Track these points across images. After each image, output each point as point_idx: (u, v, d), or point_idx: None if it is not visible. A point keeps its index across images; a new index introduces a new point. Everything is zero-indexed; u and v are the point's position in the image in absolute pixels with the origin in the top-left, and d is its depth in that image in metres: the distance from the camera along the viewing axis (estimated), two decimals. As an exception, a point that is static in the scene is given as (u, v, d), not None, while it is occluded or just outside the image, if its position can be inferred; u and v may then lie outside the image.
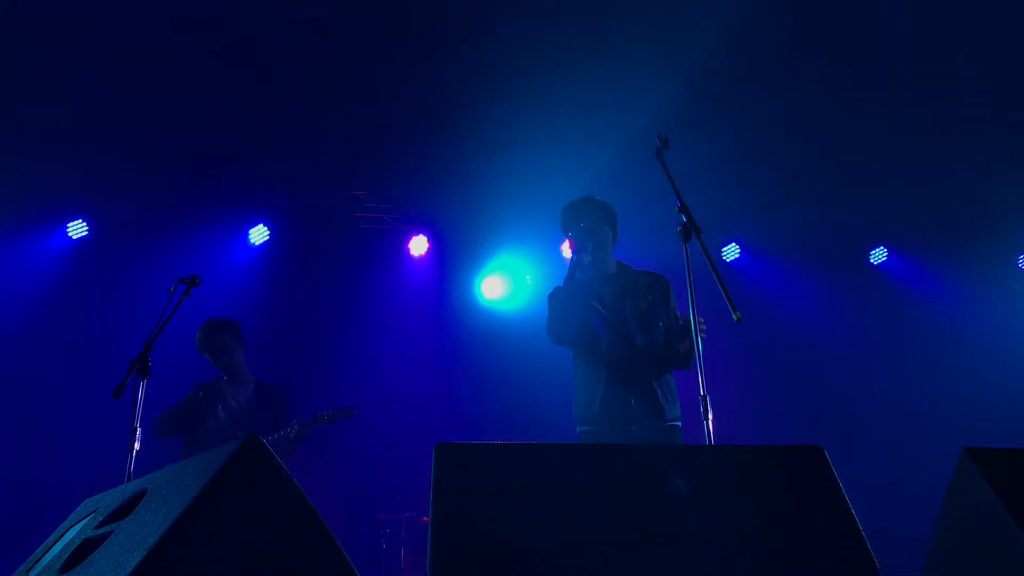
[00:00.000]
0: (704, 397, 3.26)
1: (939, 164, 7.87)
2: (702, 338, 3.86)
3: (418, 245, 8.61)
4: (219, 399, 5.66)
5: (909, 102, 7.07)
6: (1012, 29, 6.32)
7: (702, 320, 3.89)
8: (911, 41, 6.42)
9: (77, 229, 7.96)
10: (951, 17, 6.19)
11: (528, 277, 8.72)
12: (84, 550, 2.17)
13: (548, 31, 6.25)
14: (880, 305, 9.17)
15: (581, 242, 4.36)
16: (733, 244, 9.06)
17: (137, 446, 3.92)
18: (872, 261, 9.30)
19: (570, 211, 4.48)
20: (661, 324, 4.30)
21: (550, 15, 6.14)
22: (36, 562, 2.41)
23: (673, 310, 4.40)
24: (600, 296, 4.37)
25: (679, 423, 4.25)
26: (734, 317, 3.12)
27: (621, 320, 4.30)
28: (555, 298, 4.43)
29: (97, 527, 2.27)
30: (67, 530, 2.50)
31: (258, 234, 8.38)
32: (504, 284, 8.70)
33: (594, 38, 6.33)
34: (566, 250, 8.58)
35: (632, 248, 8.17)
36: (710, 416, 3.23)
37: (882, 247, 9.26)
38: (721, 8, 6.03)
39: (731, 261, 9.07)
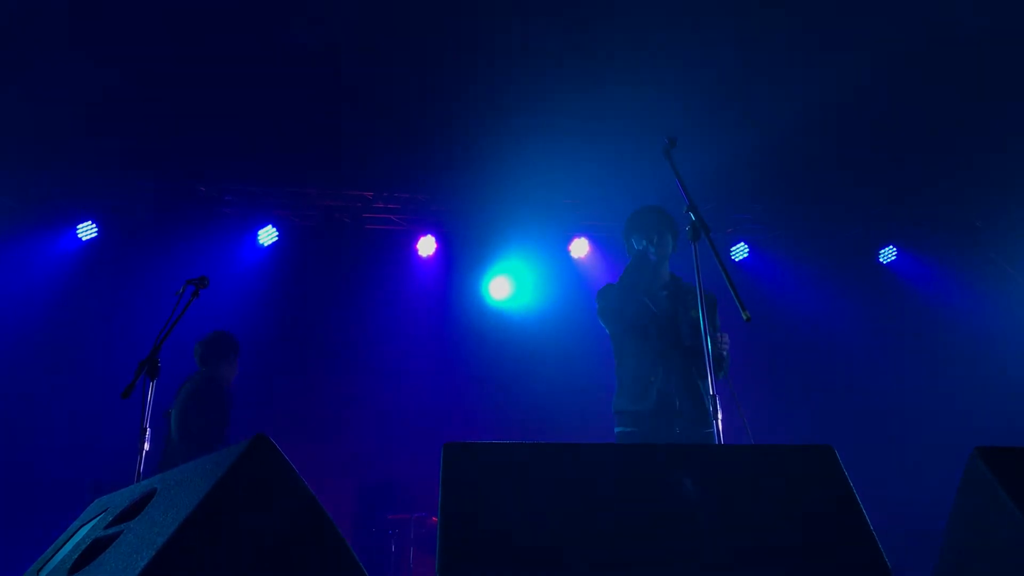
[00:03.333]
0: (714, 396, 3.26)
1: (949, 164, 7.84)
2: (724, 353, 3.95)
3: (426, 246, 8.61)
4: None
5: (921, 102, 7.05)
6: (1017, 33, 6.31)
7: (724, 337, 4.06)
8: (919, 42, 6.40)
9: (87, 231, 7.98)
10: (960, 22, 6.18)
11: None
12: (94, 550, 2.17)
13: (558, 35, 6.26)
14: (889, 304, 9.14)
15: (649, 244, 4.42)
16: (741, 243, 9.03)
17: (147, 446, 3.93)
18: (881, 260, 9.26)
19: (639, 218, 4.55)
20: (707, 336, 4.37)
21: (562, 18, 6.14)
22: (46, 562, 2.42)
23: (717, 327, 4.46)
24: (655, 299, 4.41)
25: (715, 430, 4.27)
26: (743, 316, 3.12)
27: (673, 324, 4.33)
28: (609, 292, 4.47)
29: (107, 527, 2.27)
30: (77, 530, 2.50)
31: (267, 235, 8.39)
32: (511, 285, 8.69)
33: (603, 41, 6.33)
34: (574, 250, 8.58)
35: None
36: (719, 415, 3.22)
37: (891, 246, 9.22)
38: (730, 10, 6.03)
39: (739, 260, 9.04)
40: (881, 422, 8.31)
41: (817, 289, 8.98)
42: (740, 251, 9.04)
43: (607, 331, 4.53)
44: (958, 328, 8.81)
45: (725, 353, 4.17)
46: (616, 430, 4.33)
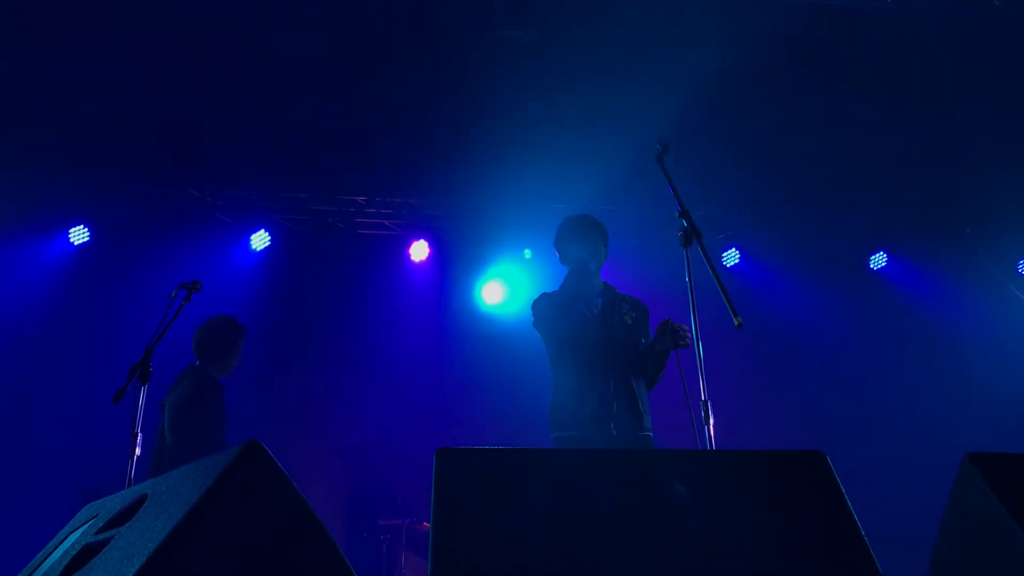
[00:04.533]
0: (705, 402, 3.26)
1: (939, 169, 7.87)
2: (686, 345, 4.08)
3: (419, 250, 8.61)
4: None
5: (909, 108, 7.08)
6: (1004, 37, 6.34)
7: (684, 327, 4.11)
8: (907, 50, 6.44)
9: (79, 235, 7.95)
10: (943, 26, 6.21)
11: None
12: (84, 556, 2.16)
13: (551, 38, 6.27)
14: (880, 310, 9.17)
15: (588, 253, 4.50)
16: (733, 249, 9.06)
17: (138, 451, 3.92)
18: (872, 266, 9.29)
19: (575, 227, 4.61)
20: (643, 340, 4.48)
21: (553, 22, 6.15)
22: (36, 568, 2.41)
23: (649, 334, 4.55)
24: (591, 305, 4.49)
25: (652, 434, 4.36)
26: (735, 322, 3.12)
27: (609, 329, 4.42)
28: (548, 301, 4.56)
29: (97, 533, 2.26)
30: (67, 536, 2.49)
31: (259, 239, 8.37)
32: (504, 290, 8.69)
33: (598, 46, 6.34)
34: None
35: (633, 253, 8.21)
36: (711, 421, 3.23)
37: (882, 252, 9.25)
38: (723, 20, 6.06)
39: (731, 266, 9.07)
40: (873, 428, 8.33)
41: (808, 295, 9.00)
42: (731, 257, 9.06)
43: (544, 340, 4.60)
44: (949, 334, 8.84)
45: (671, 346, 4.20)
46: (553, 435, 4.37)
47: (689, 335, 4.08)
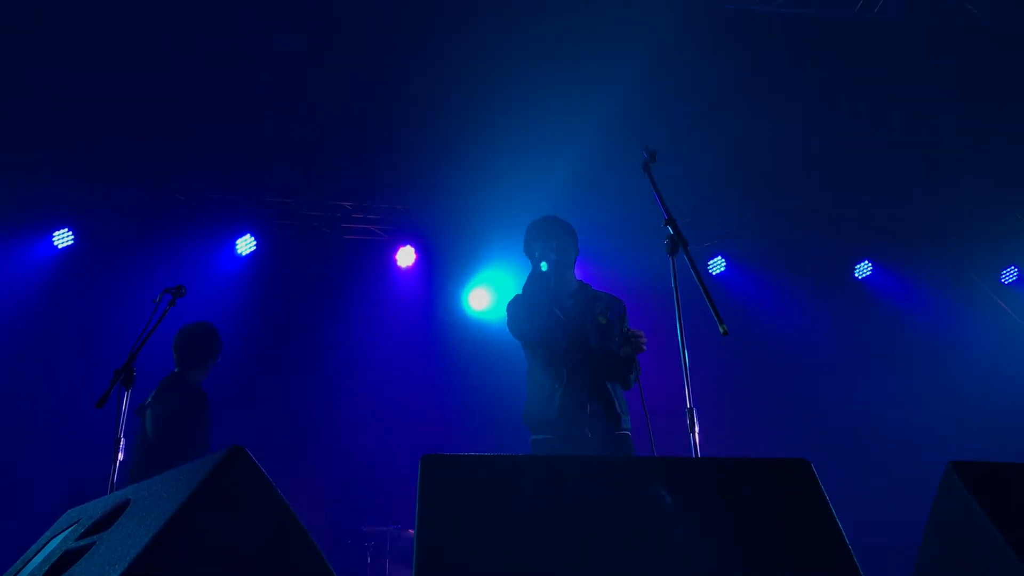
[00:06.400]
0: (691, 410, 3.26)
1: (923, 179, 7.93)
2: (642, 350, 4.22)
3: (405, 256, 8.59)
4: None
5: (894, 118, 7.13)
6: (981, 51, 6.41)
7: (640, 332, 4.23)
8: (892, 61, 6.48)
9: (63, 238, 7.90)
10: (923, 36, 6.27)
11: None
12: (65, 562, 2.14)
13: (535, 46, 6.28)
14: (864, 319, 9.23)
15: (545, 255, 4.47)
16: (719, 257, 9.10)
17: (120, 456, 3.89)
18: (856, 275, 9.35)
19: (537, 227, 4.60)
20: (617, 340, 4.44)
21: (543, 28, 6.16)
22: (16, 573, 2.38)
23: (626, 329, 4.52)
24: (562, 307, 4.46)
25: (630, 432, 4.35)
26: (721, 330, 3.12)
27: (581, 330, 4.40)
28: (516, 303, 4.56)
29: (79, 538, 2.24)
30: (48, 541, 2.47)
31: (245, 244, 8.34)
32: (491, 295, 8.68)
33: (582, 52, 6.35)
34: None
35: (618, 260, 8.22)
36: (696, 428, 3.22)
37: (866, 261, 9.31)
38: (707, 26, 6.09)
39: (717, 274, 9.10)
40: (857, 436, 8.36)
41: (793, 303, 9.04)
42: (717, 265, 9.10)
43: (517, 341, 4.59)
44: (933, 342, 8.90)
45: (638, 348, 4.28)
46: (530, 439, 4.38)
47: (644, 340, 4.22)
